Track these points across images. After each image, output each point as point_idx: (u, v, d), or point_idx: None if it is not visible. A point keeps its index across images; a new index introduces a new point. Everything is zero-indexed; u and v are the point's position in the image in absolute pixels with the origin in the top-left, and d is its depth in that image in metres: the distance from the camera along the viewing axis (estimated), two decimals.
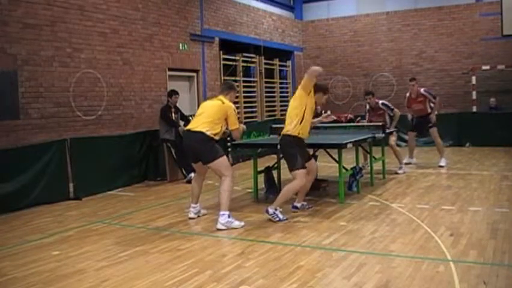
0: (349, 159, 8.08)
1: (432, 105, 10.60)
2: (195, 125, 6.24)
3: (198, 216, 6.66)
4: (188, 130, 6.31)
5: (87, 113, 9.37)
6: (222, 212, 6.03)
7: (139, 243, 5.53)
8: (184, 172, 9.84)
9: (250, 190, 8.32)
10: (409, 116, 11.02)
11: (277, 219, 6.24)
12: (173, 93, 9.94)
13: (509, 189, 8.02)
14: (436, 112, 10.78)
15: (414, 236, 5.47)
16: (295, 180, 6.29)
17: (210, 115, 6.23)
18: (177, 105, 10.02)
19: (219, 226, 5.98)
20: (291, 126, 6.36)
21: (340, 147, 7.21)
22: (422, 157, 12.24)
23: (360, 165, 9.04)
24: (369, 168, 9.00)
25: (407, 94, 10.97)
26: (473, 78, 15.20)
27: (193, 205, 6.66)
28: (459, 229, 5.65)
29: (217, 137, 6.24)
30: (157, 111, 10.14)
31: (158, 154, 10.11)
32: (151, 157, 10.09)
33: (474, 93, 15.22)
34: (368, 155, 9.34)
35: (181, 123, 10.03)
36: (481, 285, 3.98)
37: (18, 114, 8.14)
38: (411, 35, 16.43)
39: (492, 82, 15.14)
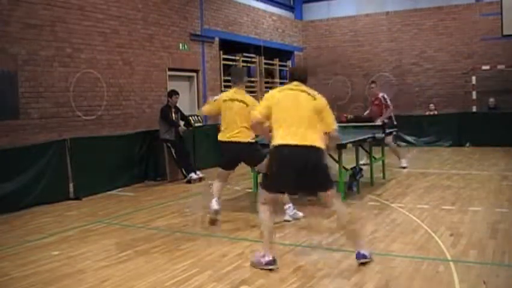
0: (349, 159, 8.07)
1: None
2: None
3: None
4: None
5: (87, 113, 9.37)
6: (288, 205, 6.24)
7: (139, 243, 5.52)
8: (184, 172, 9.84)
9: (250, 190, 8.31)
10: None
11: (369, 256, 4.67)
12: (173, 93, 9.94)
13: (509, 189, 8.02)
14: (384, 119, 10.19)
15: (414, 236, 5.47)
16: (339, 205, 4.66)
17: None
18: (177, 105, 10.02)
19: (287, 218, 6.22)
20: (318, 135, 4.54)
21: (340, 147, 7.21)
22: (422, 157, 12.25)
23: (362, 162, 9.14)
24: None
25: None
26: (473, 78, 15.20)
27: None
28: (459, 229, 5.65)
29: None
30: (157, 111, 10.14)
31: (158, 154, 10.10)
32: (151, 157, 10.09)
33: (474, 93, 15.23)
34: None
35: (181, 123, 10.03)
36: (481, 285, 3.98)
37: (18, 114, 8.14)
38: (411, 35, 16.43)
39: (492, 82, 15.13)
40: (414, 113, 15.32)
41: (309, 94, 4.53)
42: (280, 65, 16.64)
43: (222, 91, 12.58)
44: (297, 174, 4.36)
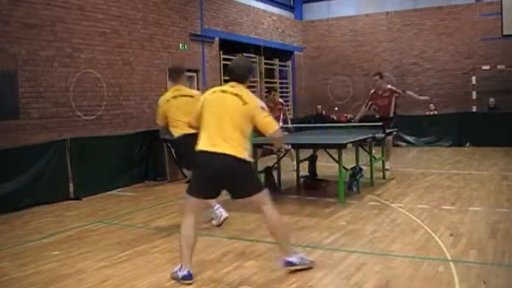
0: (349, 159, 8.07)
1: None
2: None
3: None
4: None
5: (87, 113, 9.37)
6: (216, 206, 5.95)
7: (139, 243, 5.52)
8: (184, 172, 9.83)
9: None
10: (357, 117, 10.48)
11: (305, 262, 4.47)
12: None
13: (509, 189, 8.01)
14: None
15: (414, 236, 5.47)
16: (268, 210, 4.36)
17: None
18: None
19: (214, 223, 5.99)
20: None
21: (340, 147, 7.21)
22: (422, 157, 12.25)
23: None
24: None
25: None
26: (473, 78, 15.21)
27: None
28: (459, 229, 5.65)
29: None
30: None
31: (158, 154, 10.10)
32: (151, 157, 10.09)
33: (474, 93, 15.23)
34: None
35: None
36: (481, 285, 3.98)
37: (18, 114, 8.14)
38: (411, 35, 16.43)
39: (492, 82, 15.14)
40: (414, 113, 15.32)
41: (240, 98, 4.23)
42: (280, 65, 16.64)
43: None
44: (215, 182, 4.22)
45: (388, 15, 16.74)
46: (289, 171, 9.79)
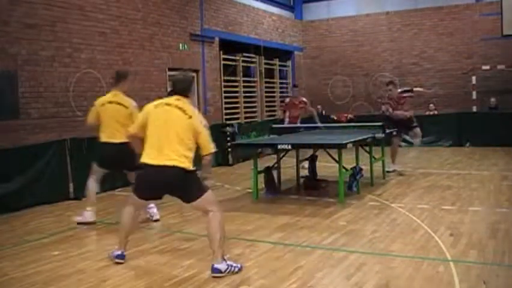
0: (349, 159, 8.07)
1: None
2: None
3: None
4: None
5: (87, 113, 9.34)
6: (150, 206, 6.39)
7: (139, 243, 5.52)
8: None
9: (250, 190, 8.31)
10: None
11: (236, 268, 4.44)
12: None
13: (509, 189, 8.01)
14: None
15: (414, 236, 5.47)
16: (214, 212, 4.45)
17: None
18: None
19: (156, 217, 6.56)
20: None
21: (340, 147, 7.21)
22: (422, 157, 12.24)
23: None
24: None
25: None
26: (473, 78, 15.21)
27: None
28: (459, 229, 5.65)
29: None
30: None
31: None
32: None
33: (474, 93, 15.24)
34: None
35: None
36: (481, 285, 3.98)
37: (18, 114, 8.13)
38: (411, 35, 16.43)
39: (492, 82, 15.14)
40: (415, 113, 15.26)
41: (184, 112, 4.40)
42: (280, 65, 16.64)
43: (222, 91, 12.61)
44: (158, 190, 4.56)
45: (388, 15, 16.73)
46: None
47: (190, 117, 4.40)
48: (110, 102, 6.35)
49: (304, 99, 11.54)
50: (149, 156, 4.39)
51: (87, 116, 6.65)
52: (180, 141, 4.33)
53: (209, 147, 4.49)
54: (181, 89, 4.61)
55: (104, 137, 6.32)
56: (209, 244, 4.47)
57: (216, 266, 4.33)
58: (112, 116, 6.25)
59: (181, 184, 4.36)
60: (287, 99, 11.78)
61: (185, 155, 4.33)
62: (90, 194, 6.53)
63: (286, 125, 11.04)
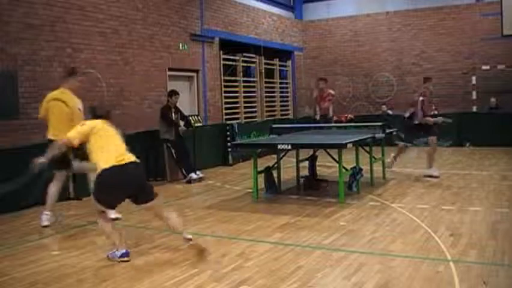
0: (349, 159, 8.07)
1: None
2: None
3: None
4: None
5: (85, 112, 9.35)
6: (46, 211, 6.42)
7: (139, 243, 5.52)
8: (184, 172, 9.84)
9: (250, 190, 8.31)
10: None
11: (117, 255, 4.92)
12: (173, 93, 9.94)
13: (509, 189, 8.02)
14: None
15: (414, 236, 5.47)
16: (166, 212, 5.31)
17: None
18: (177, 105, 10.02)
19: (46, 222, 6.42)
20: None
21: (340, 147, 7.21)
22: (423, 157, 12.23)
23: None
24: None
25: (421, 98, 10.00)
26: (473, 78, 15.20)
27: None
28: (459, 229, 5.65)
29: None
30: (157, 111, 10.14)
31: (158, 154, 10.10)
32: (151, 157, 10.08)
33: (474, 93, 15.23)
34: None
35: (181, 123, 10.03)
36: (481, 285, 3.98)
37: (18, 114, 8.13)
38: (411, 35, 16.42)
39: (492, 82, 15.12)
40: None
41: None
42: (280, 65, 16.63)
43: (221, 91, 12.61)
44: (126, 188, 4.93)
45: (388, 15, 16.72)
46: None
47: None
48: (55, 99, 6.29)
49: (331, 91, 12.37)
50: (114, 160, 4.88)
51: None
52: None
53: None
54: (103, 115, 5.43)
55: (49, 135, 6.31)
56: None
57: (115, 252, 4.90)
58: (55, 114, 6.25)
59: (142, 178, 5.16)
60: (315, 94, 12.36)
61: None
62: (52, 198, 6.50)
63: (318, 117, 12.15)
